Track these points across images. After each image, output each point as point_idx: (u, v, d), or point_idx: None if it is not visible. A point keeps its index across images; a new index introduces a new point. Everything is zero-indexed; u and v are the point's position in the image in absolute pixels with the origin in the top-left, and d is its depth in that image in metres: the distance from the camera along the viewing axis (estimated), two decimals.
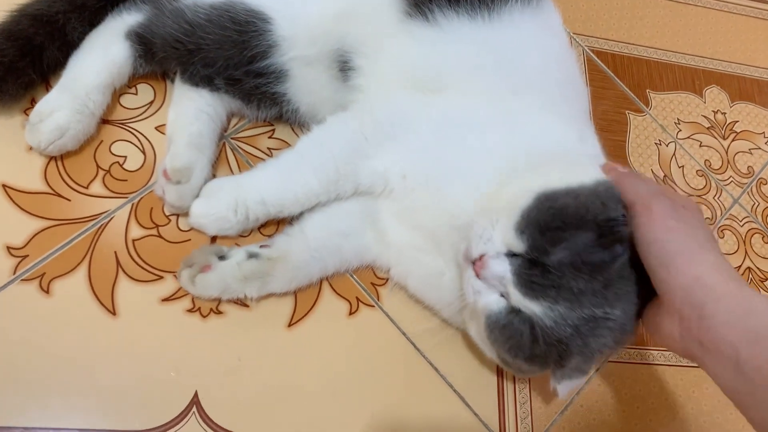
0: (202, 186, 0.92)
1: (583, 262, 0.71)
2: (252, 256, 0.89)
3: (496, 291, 0.77)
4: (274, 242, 0.92)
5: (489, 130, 0.87)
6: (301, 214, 0.93)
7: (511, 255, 0.75)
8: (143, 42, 0.93)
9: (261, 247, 0.91)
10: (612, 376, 1.06)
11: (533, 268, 0.73)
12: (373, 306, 0.99)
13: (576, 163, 0.85)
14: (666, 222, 0.72)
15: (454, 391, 0.97)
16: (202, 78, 0.95)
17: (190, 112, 0.96)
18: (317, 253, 0.93)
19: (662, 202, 0.74)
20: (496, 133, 0.87)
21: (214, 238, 0.95)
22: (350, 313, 0.98)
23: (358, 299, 0.99)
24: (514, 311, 0.75)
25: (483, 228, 0.78)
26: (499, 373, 1.00)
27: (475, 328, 0.85)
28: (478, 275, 0.77)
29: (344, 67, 0.95)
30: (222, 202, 0.90)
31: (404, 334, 0.98)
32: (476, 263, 0.77)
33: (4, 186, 0.90)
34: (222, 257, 0.89)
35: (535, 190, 0.76)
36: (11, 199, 0.90)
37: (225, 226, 0.91)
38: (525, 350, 0.75)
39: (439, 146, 0.87)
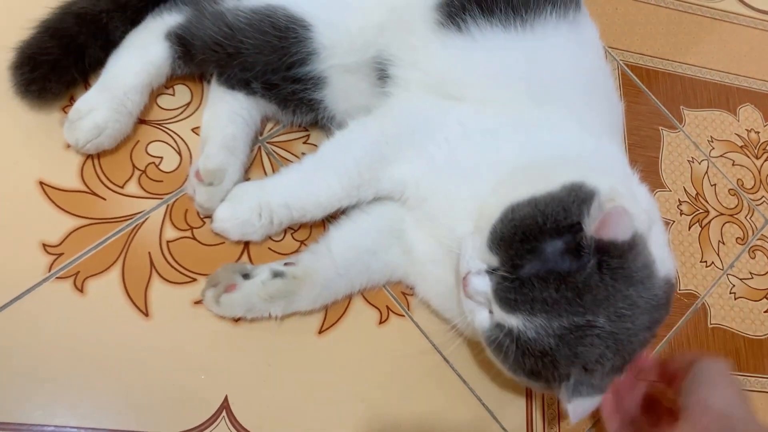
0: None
1: (549, 271, 0.71)
2: (277, 275, 0.88)
3: (485, 307, 0.78)
4: (299, 260, 0.91)
5: (502, 141, 0.87)
6: (327, 230, 0.94)
7: (492, 270, 0.76)
8: (182, 43, 0.93)
9: (286, 265, 0.90)
10: None
11: (508, 283, 0.73)
12: (404, 315, 0.98)
13: (562, 169, 0.81)
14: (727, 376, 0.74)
15: (482, 403, 0.96)
16: (239, 81, 0.95)
17: (225, 114, 0.96)
18: (344, 271, 0.92)
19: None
20: (508, 144, 0.86)
21: (246, 246, 0.94)
22: (380, 322, 0.97)
23: (388, 308, 0.98)
24: (498, 326, 0.76)
25: (468, 246, 0.79)
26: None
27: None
28: (465, 293, 0.78)
29: (382, 75, 0.95)
30: (246, 206, 0.89)
31: (434, 345, 0.98)
32: (463, 281, 0.78)
33: (41, 183, 0.90)
34: (246, 276, 0.88)
35: (504, 203, 0.76)
36: (48, 196, 0.90)
37: (249, 231, 0.90)
38: (517, 364, 0.75)
39: (453, 157, 0.86)
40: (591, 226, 0.71)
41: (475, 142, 0.87)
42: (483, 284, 0.76)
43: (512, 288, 0.73)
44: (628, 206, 0.72)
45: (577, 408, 0.77)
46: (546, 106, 0.88)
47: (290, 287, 0.88)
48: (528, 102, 0.89)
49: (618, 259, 0.71)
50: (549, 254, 0.71)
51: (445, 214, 0.86)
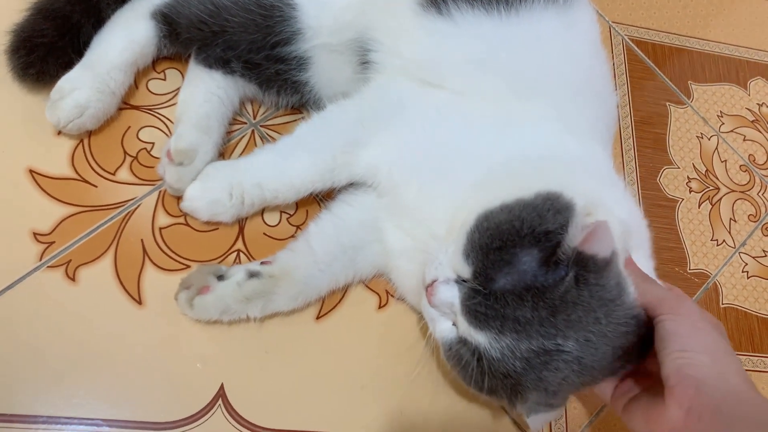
0: None
1: (526, 287, 0.66)
2: (253, 275, 0.85)
3: (449, 318, 0.74)
4: (276, 259, 0.88)
5: (478, 135, 0.83)
6: (306, 228, 0.91)
7: (462, 281, 0.72)
8: (168, 22, 0.91)
9: (262, 263, 0.87)
10: None
11: (478, 296, 0.68)
12: (403, 299, 0.96)
13: (536, 176, 0.77)
14: (694, 321, 0.67)
15: None
16: (217, 60, 0.93)
17: (201, 93, 0.94)
18: (326, 267, 0.89)
19: (691, 306, 0.69)
20: (483, 139, 0.83)
21: (240, 232, 0.92)
22: (379, 307, 0.95)
23: (387, 292, 0.96)
24: (461, 341, 0.71)
25: (437, 252, 0.75)
26: None
27: None
28: (429, 302, 0.74)
29: (364, 60, 0.93)
30: (217, 185, 0.87)
31: None
32: (428, 289, 0.74)
33: (30, 171, 0.89)
34: (221, 277, 0.85)
35: (478, 210, 0.72)
36: (38, 184, 0.89)
37: (219, 211, 0.88)
38: (476, 382, 0.71)
39: (426, 144, 0.84)
40: (572, 238, 0.66)
41: (452, 132, 0.84)
42: (451, 294, 0.72)
43: (483, 302, 0.68)
44: (608, 221, 0.68)
45: (536, 423, 0.74)
46: (529, 101, 0.84)
47: (267, 287, 0.85)
48: (510, 95, 0.85)
49: (595, 274, 0.67)
50: (525, 265, 0.67)
51: (416, 204, 0.83)
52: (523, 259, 0.67)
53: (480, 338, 0.69)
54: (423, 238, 0.83)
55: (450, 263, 0.73)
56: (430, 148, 0.84)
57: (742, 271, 1.17)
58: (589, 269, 0.66)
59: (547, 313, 0.66)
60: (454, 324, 0.73)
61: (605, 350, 0.68)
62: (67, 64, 0.90)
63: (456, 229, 0.74)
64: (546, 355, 0.67)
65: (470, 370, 0.70)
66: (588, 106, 0.90)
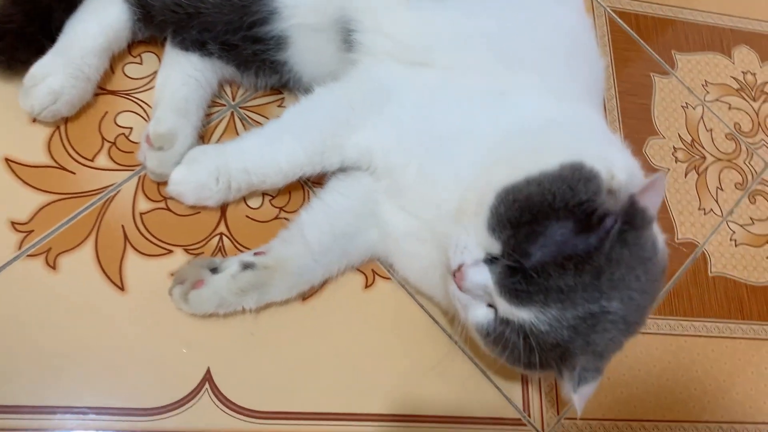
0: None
1: (566, 256, 0.66)
2: (247, 266, 0.84)
3: (482, 302, 0.72)
4: (269, 248, 0.87)
5: (473, 110, 0.82)
6: (299, 215, 0.90)
7: (491, 261, 0.70)
8: (141, 5, 0.90)
9: (256, 254, 0.86)
10: (640, 349, 1.02)
11: (515, 275, 0.67)
12: (390, 278, 0.96)
13: (551, 147, 0.76)
14: None
15: (474, 363, 0.94)
16: (193, 43, 0.92)
17: (178, 77, 0.93)
18: (320, 257, 0.88)
19: None
20: (480, 114, 0.82)
21: (222, 215, 0.91)
22: (366, 286, 0.95)
23: (374, 271, 0.96)
24: (504, 322, 0.70)
25: (458, 237, 0.73)
26: None
27: (475, 336, 0.78)
28: (460, 287, 0.72)
29: (347, 39, 0.91)
30: (203, 169, 0.86)
31: (421, 306, 0.95)
32: (456, 275, 0.72)
33: (6, 160, 0.88)
34: (215, 270, 0.84)
35: (498, 184, 0.71)
36: (14, 173, 0.87)
37: (205, 195, 0.87)
38: (521, 360, 0.70)
39: (421, 123, 0.83)
40: (622, 193, 0.67)
41: (446, 110, 0.83)
42: (482, 277, 0.70)
43: (522, 278, 0.67)
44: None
45: (583, 397, 0.73)
46: (520, 71, 0.84)
47: (262, 278, 0.84)
48: (500, 68, 0.84)
49: (637, 231, 0.68)
50: (562, 236, 0.66)
51: (418, 184, 0.82)
52: (559, 231, 0.66)
53: (524, 315, 0.67)
54: (430, 216, 0.82)
55: (476, 243, 0.71)
56: (426, 128, 0.83)
57: (730, 240, 1.16)
58: (635, 224, 0.68)
59: (590, 277, 0.66)
60: (490, 305, 0.72)
61: (646, 305, 0.71)
62: (40, 51, 0.88)
63: (470, 209, 0.73)
64: (593, 319, 0.67)
65: (517, 350, 0.69)
66: (578, 72, 0.90)
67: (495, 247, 0.69)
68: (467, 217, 0.74)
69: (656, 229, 0.73)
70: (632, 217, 0.68)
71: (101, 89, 0.94)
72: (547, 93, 0.83)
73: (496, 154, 0.77)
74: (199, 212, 0.91)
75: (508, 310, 0.69)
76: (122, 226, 0.88)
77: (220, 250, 0.90)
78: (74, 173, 0.89)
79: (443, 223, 0.78)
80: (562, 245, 0.66)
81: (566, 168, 0.70)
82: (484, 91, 0.83)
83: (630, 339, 0.72)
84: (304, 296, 0.91)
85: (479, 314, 0.73)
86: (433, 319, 0.95)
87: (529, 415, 0.94)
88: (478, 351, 0.93)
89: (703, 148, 1.23)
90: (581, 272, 0.65)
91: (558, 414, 0.95)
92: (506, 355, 0.72)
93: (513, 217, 0.68)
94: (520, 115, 0.81)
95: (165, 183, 0.88)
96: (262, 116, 1.00)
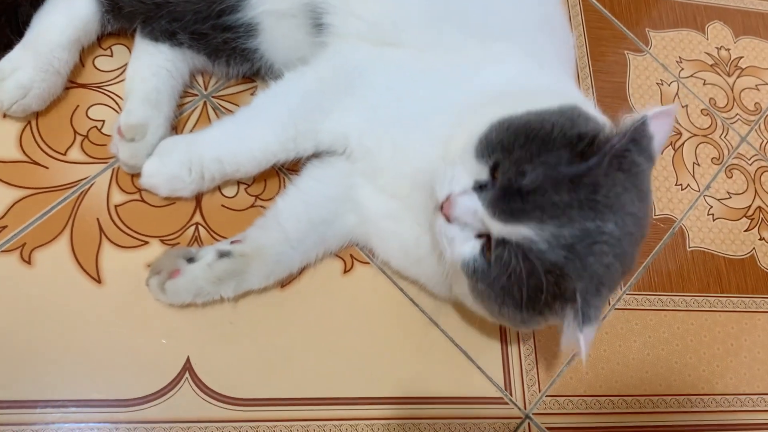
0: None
1: (562, 175, 0.65)
2: (223, 255, 0.84)
3: (471, 233, 0.71)
4: (246, 237, 0.87)
5: (446, 82, 0.82)
6: (275, 202, 0.90)
7: (479, 189, 0.69)
8: None
9: (232, 243, 0.86)
10: (620, 324, 1.03)
11: (508, 195, 0.66)
12: (369, 263, 0.96)
13: (547, 95, 0.76)
14: None
15: (454, 343, 0.94)
16: (163, 33, 0.91)
17: (148, 67, 0.92)
18: (298, 244, 0.88)
19: None
20: (454, 84, 0.82)
21: (198, 205, 0.91)
22: (345, 271, 0.95)
23: (352, 257, 0.96)
24: (501, 244, 0.68)
25: (444, 170, 0.72)
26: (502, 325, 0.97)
27: (462, 289, 0.77)
28: (448, 218, 0.71)
29: (317, 23, 0.91)
30: (175, 160, 0.86)
31: (401, 289, 0.95)
32: (444, 206, 0.71)
33: None
34: (191, 259, 0.84)
35: (493, 117, 0.71)
36: None
37: (178, 186, 0.87)
38: (521, 287, 0.67)
39: (394, 102, 0.83)
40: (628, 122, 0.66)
41: (419, 85, 0.83)
42: (472, 202, 0.68)
43: (518, 197, 0.66)
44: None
45: (587, 337, 0.68)
46: (493, 44, 0.84)
47: (238, 266, 0.84)
48: (473, 43, 0.84)
49: (639, 156, 0.67)
50: (556, 161, 0.65)
51: (394, 161, 0.82)
52: (555, 157, 0.66)
53: (523, 230, 0.66)
54: (407, 192, 0.82)
55: (463, 171, 0.70)
56: (399, 105, 0.82)
57: (708, 214, 1.17)
58: (641, 145, 0.67)
59: (587, 192, 0.65)
60: (479, 236, 0.70)
61: (638, 239, 0.70)
62: (7, 45, 0.88)
63: (458, 148, 0.73)
64: (589, 238, 0.65)
65: (515, 273, 0.67)
66: (550, 44, 0.90)
67: (483, 173, 0.69)
68: (453, 153, 0.73)
69: None
70: (640, 135, 0.67)
71: (72, 82, 0.93)
72: (524, 61, 0.83)
73: (479, 108, 0.76)
74: (174, 203, 0.91)
75: (504, 229, 0.67)
76: (97, 219, 0.88)
77: (197, 239, 0.90)
78: (47, 167, 0.89)
79: (420, 195, 0.78)
80: (557, 167, 0.65)
81: (566, 107, 0.70)
82: (459, 65, 0.83)
83: (625, 273, 0.71)
84: (283, 284, 0.91)
85: (466, 250, 0.71)
86: (413, 301, 0.95)
87: (511, 394, 0.94)
88: (459, 332, 0.94)
89: (679, 124, 1.24)
90: (577, 188, 0.65)
91: (539, 392, 0.96)
92: (500, 284, 0.69)
93: (506, 141, 0.68)
94: (498, 81, 0.81)
95: (139, 174, 0.87)
96: (235, 105, 1.00)
